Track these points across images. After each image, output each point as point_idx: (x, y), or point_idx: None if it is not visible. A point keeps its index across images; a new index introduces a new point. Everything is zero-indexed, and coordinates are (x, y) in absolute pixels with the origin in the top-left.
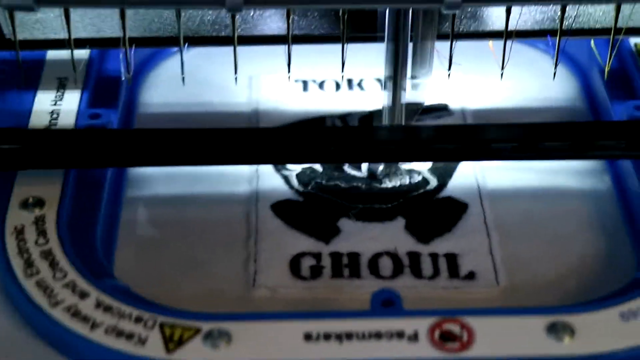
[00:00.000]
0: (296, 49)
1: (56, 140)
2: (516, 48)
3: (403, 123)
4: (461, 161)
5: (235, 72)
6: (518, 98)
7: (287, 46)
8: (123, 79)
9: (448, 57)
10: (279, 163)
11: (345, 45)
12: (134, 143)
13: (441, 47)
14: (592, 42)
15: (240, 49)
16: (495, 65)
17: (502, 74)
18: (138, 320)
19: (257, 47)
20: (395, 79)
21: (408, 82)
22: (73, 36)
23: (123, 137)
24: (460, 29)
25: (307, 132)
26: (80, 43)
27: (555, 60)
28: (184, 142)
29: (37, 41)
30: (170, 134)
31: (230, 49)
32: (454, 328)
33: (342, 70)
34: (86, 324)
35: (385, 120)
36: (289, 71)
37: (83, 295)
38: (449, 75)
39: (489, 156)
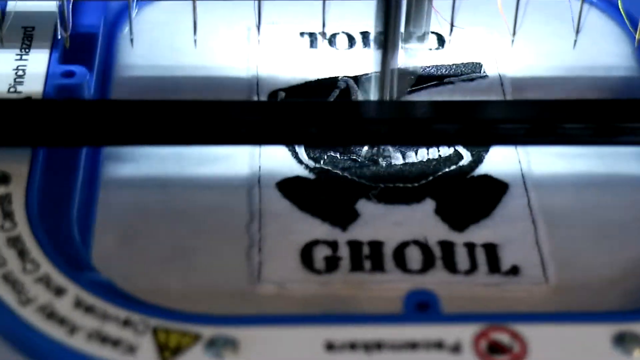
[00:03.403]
0: None
1: (21, 115)
2: (567, 4)
3: (395, 94)
4: (464, 145)
5: (195, 33)
6: (566, 64)
7: None
8: (59, 37)
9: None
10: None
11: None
12: (113, 119)
13: (440, 6)
14: (619, 2)
15: None
16: (541, 25)
17: (512, 41)
18: (127, 323)
19: None
20: (386, 36)
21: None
22: None
23: (100, 111)
24: None
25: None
26: None
27: (576, 26)
28: (171, 118)
29: None
30: (157, 107)
31: None
32: (503, 338)
33: (323, 29)
34: (64, 327)
35: (374, 91)
36: (258, 33)
37: (59, 291)
38: (449, 40)
39: (497, 140)
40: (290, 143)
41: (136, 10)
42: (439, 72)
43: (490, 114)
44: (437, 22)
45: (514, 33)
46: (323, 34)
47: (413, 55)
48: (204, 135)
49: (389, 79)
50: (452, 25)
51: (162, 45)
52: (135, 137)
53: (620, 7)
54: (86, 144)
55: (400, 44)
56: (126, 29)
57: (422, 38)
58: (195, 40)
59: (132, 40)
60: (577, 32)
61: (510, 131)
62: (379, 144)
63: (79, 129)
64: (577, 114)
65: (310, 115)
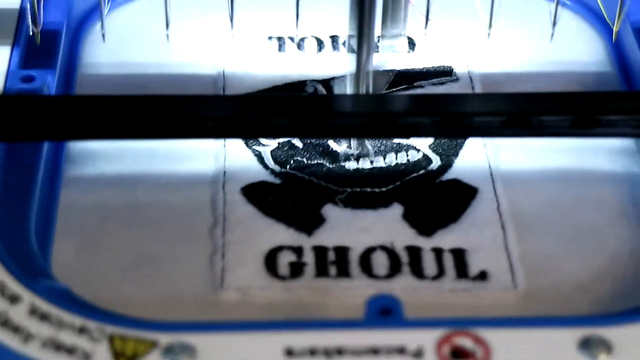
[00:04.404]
0: None
1: None
2: (537, 2)
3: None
4: (437, 137)
5: (167, 27)
6: (537, 61)
7: None
8: (31, 34)
9: (425, 13)
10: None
11: None
12: (73, 112)
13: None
14: None
15: None
16: (512, 21)
17: (489, 34)
18: (82, 331)
19: None
20: (360, 38)
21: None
22: None
23: (60, 104)
24: None
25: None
26: None
27: (553, 19)
28: (132, 111)
29: None
30: (117, 101)
31: None
32: (466, 343)
33: (297, 27)
34: (18, 335)
35: (348, 89)
36: (231, 27)
37: (14, 299)
38: (425, 33)
39: (472, 132)
40: (260, 136)
41: (108, 5)
42: (409, 76)
43: (466, 106)
44: (413, 15)
45: (490, 25)
46: (293, 39)
47: (391, 50)
48: (169, 129)
49: (364, 79)
50: (427, 18)
51: (129, 45)
52: (95, 132)
53: (599, 1)
54: (46, 138)
55: (377, 43)
56: (96, 26)
57: (397, 36)
58: (167, 35)
59: (103, 35)
60: (554, 24)
61: (485, 123)
62: (352, 137)
63: (38, 123)
64: (553, 106)
65: (282, 108)
